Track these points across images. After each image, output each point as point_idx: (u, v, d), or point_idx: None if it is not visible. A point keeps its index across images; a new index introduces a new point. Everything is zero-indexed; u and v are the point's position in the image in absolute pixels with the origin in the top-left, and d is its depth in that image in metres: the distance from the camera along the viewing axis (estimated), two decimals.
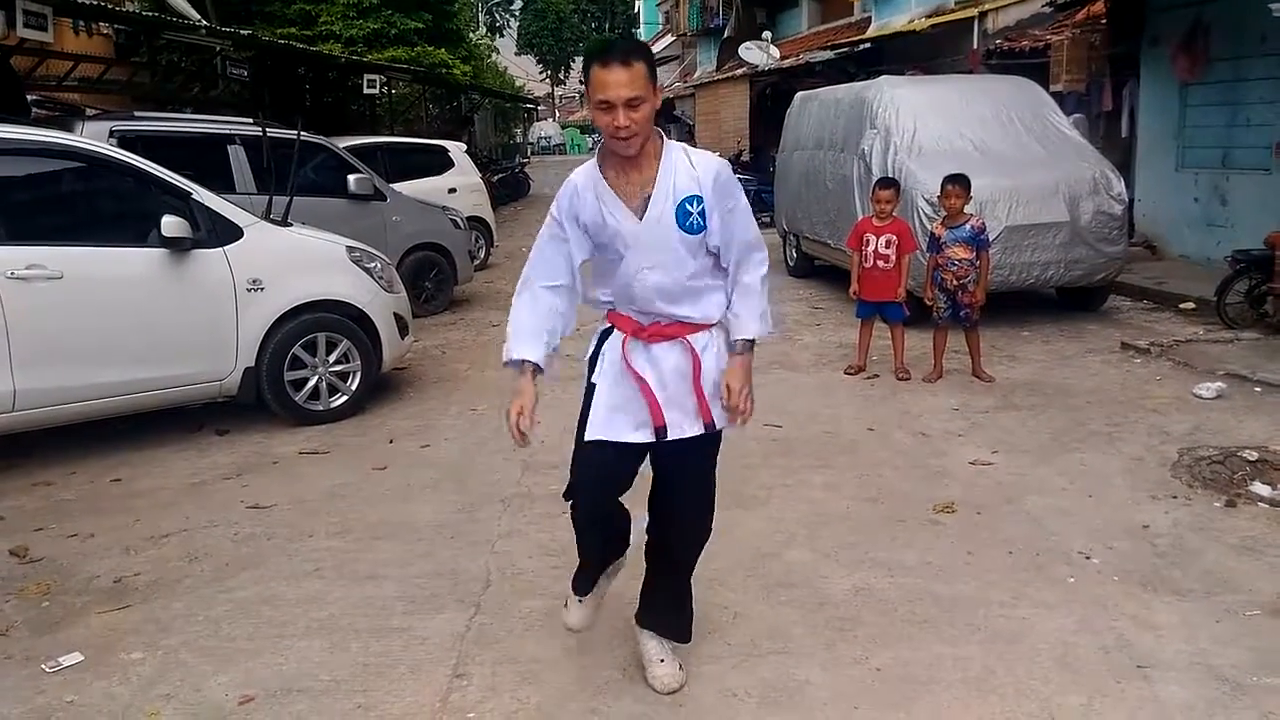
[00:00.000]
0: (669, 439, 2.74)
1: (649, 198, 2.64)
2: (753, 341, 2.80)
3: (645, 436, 2.75)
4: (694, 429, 2.76)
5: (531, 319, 2.77)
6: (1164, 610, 3.45)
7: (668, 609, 3.07)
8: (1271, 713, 2.84)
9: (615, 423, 2.74)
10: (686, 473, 2.88)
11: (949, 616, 3.44)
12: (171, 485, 5.02)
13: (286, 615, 3.59)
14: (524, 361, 2.73)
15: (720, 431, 2.85)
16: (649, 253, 2.65)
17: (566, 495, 2.84)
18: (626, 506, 2.91)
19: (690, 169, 2.65)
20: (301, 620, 3.55)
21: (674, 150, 2.66)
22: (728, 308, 2.80)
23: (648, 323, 2.75)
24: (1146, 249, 10.98)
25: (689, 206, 2.62)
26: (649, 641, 3.07)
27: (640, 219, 2.64)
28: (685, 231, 2.64)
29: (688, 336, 2.75)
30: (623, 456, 2.78)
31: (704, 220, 2.65)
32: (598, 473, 2.78)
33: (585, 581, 3.02)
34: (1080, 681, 3.02)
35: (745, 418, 2.80)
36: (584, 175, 2.73)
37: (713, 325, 2.79)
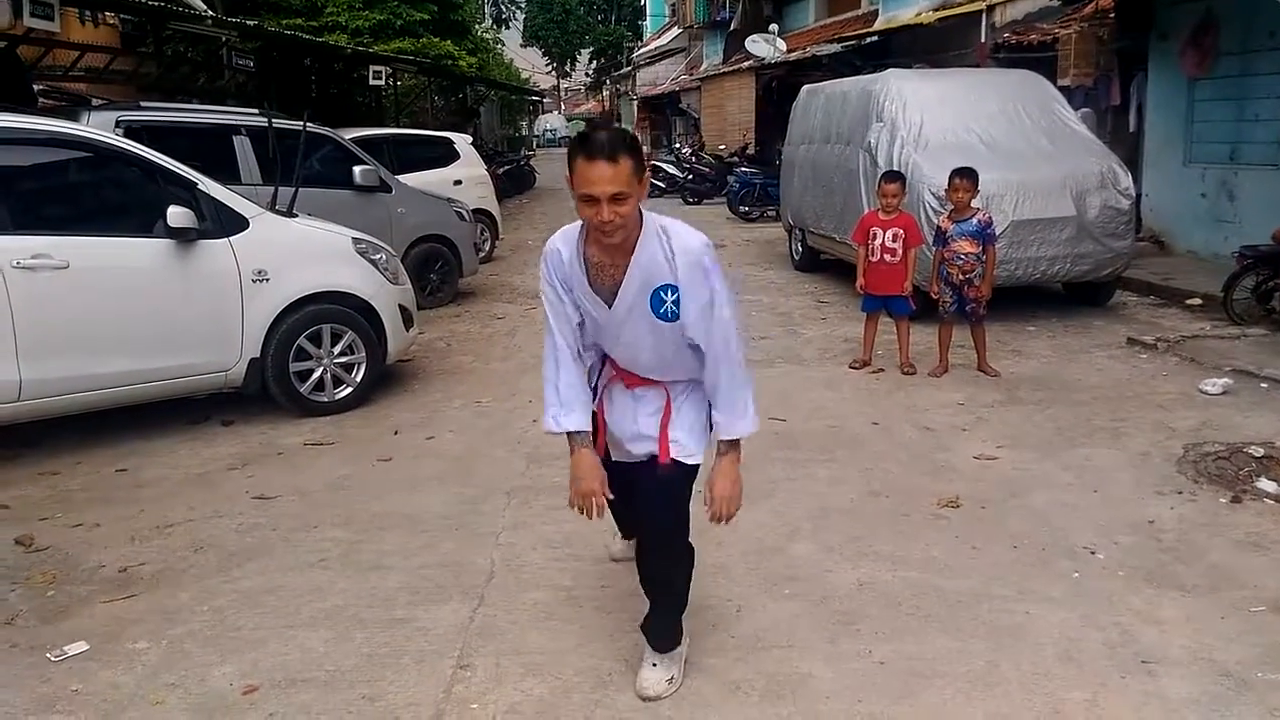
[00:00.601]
0: (626, 461, 2.94)
1: (620, 285, 2.64)
2: (736, 443, 2.80)
3: (617, 457, 2.96)
4: (644, 452, 2.87)
5: (568, 388, 2.81)
6: (1169, 605, 3.44)
7: (652, 613, 3.03)
8: (1276, 709, 2.84)
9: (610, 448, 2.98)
10: (649, 494, 2.88)
11: (953, 611, 3.44)
12: (177, 476, 5.03)
13: (291, 605, 3.59)
14: (574, 434, 2.81)
15: (689, 469, 2.87)
16: (620, 334, 2.73)
17: None
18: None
19: (667, 257, 2.59)
20: (306, 611, 3.55)
21: (651, 238, 2.59)
22: (711, 405, 2.82)
23: (629, 376, 2.86)
24: (1154, 244, 10.95)
25: (663, 295, 2.60)
26: (649, 647, 3.05)
27: (610, 307, 2.67)
28: (660, 319, 2.65)
29: (667, 386, 2.84)
30: (615, 471, 2.95)
31: (677, 309, 2.62)
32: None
33: (624, 530, 3.51)
34: (1084, 676, 3.02)
35: (727, 521, 2.84)
36: (566, 241, 2.71)
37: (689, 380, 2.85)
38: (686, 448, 2.83)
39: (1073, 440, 5.21)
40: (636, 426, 2.86)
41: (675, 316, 2.63)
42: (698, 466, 2.89)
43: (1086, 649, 3.17)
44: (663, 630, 3.02)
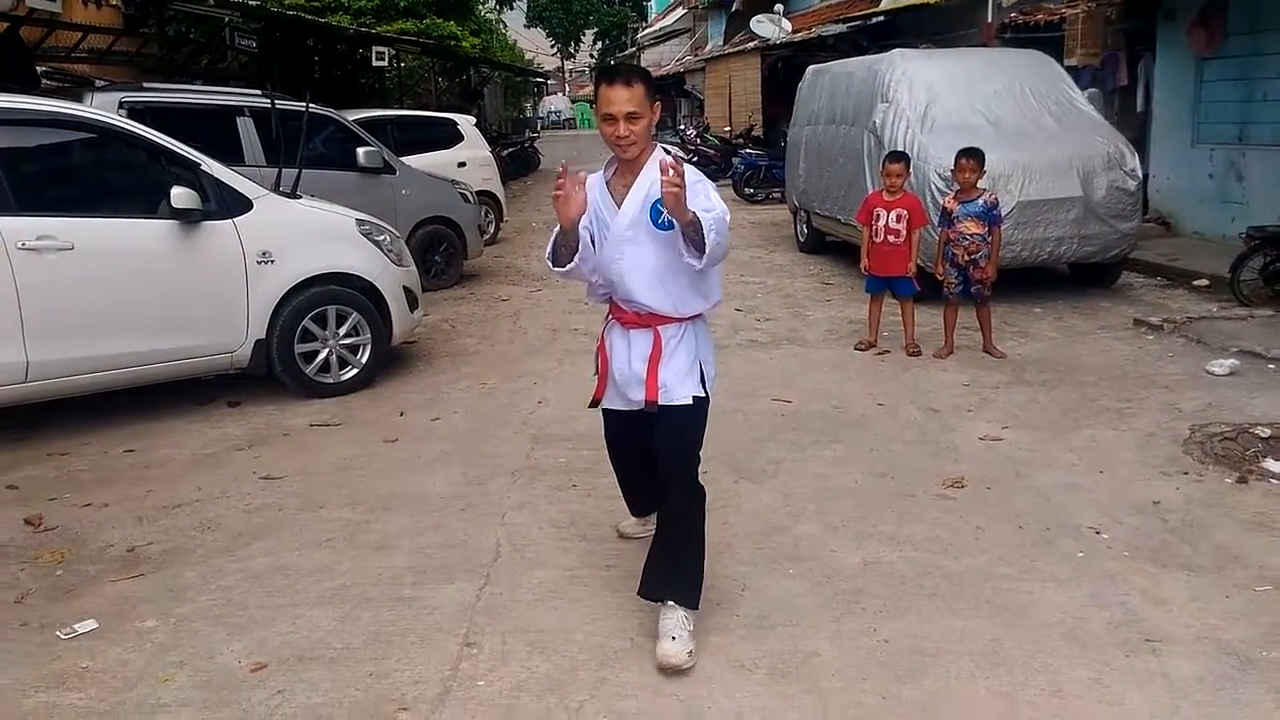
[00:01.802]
0: (631, 409, 3.20)
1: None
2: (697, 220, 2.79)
3: (621, 405, 3.25)
4: (639, 399, 3.13)
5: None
6: (1173, 585, 3.45)
7: (669, 567, 3.09)
8: None
9: (609, 395, 3.30)
10: (661, 433, 3.13)
11: (957, 590, 3.45)
12: (184, 456, 5.05)
13: (298, 585, 3.61)
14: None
15: (697, 405, 3.10)
16: (619, 244, 3.02)
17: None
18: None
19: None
20: (313, 590, 3.57)
21: (657, 158, 2.95)
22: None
23: (628, 310, 3.13)
24: (1161, 225, 10.90)
25: (660, 206, 2.87)
26: (666, 617, 3.06)
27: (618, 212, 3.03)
28: (657, 227, 2.96)
29: (658, 327, 3.08)
30: (618, 419, 3.36)
31: (672, 222, 2.86)
32: (608, 429, 3.50)
33: (632, 509, 3.79)
34: (1088, 655, 3.03)
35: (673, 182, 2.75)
36: (595, 176, 3.10)
37: (686, 319, 3.11)
38: (670, 391, 3.07)
39: (1078, 421, 5.21)
40: (630, 369, 3.13)
41: (670, 225, 2.89)
42: (705, 402, 3.14)
43: (1090, 628, 3.18)
44: (686, 581, 3.09)
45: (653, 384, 3.07)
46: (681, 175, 2.69)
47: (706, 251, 2.82)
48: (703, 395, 3.13)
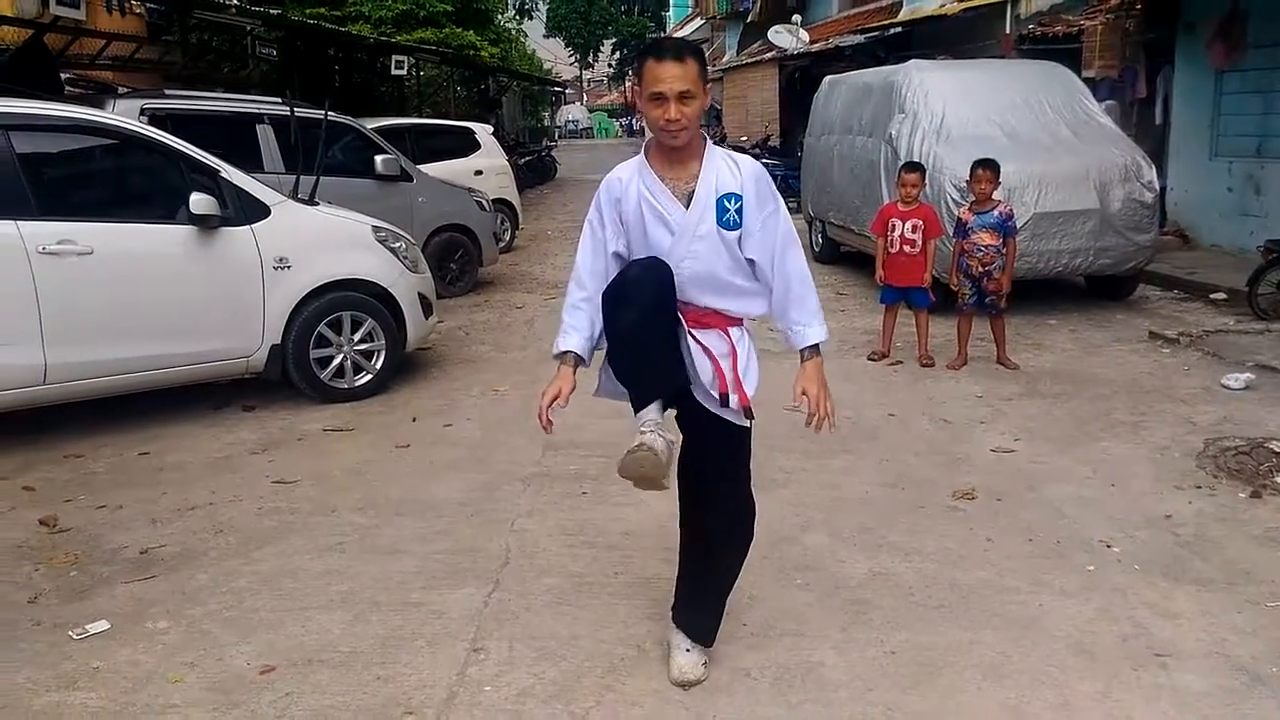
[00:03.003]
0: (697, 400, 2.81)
1: (693, 191, 2.71)
2: (817, 347, 2.81)
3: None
4: (712, 403, 2.79)
5: (580, 318, 2.84)
6: (1184, 600, 3.43)
7: (694, 604, 3.02)
8: None
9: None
10: (723, 445, 2.87)
11: (966, 602, 3.44)
12: (198, 460, 5.10)
13: (309, 588, 3.64)
14: (567, 353, 2.81)
15: (746, 427, 2.84)
16: (691, 241, 2.71)
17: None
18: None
19: (733, 168, 2.73)
20: (323, 593, 3.60)
21: (716, 151, 2.75)
22: (780, 317, 2.83)
23: (689, 311, 2.79)
24: (1178, 238, 10.83)
25: (727, 204, 2.69)
26: (679, 634, 3.04)
27: (686, 208, 2.72)
28: (722, 227, 2.71)
29: (727, 329, 2.82)
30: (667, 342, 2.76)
31: (740, 218, 2.71)
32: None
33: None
34: (1097, 669, 3.01)
35: (829, 422, 2.80)
36: (628, 168, 2.80)
37: (744, 323, 2.87)
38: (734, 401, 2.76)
39: (1091, 434, 5.18)
40: (699, 364, 2.77)
41: (737, 225, 2.70)
42: (748, 429, 2.87)
43: (1100, 642, 3.16)
44: (710, 623, 3.02)
45: (739, 387, 2.76)
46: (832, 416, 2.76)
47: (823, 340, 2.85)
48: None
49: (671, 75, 2.54)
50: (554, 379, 2.79)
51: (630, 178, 2.77)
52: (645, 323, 2.68)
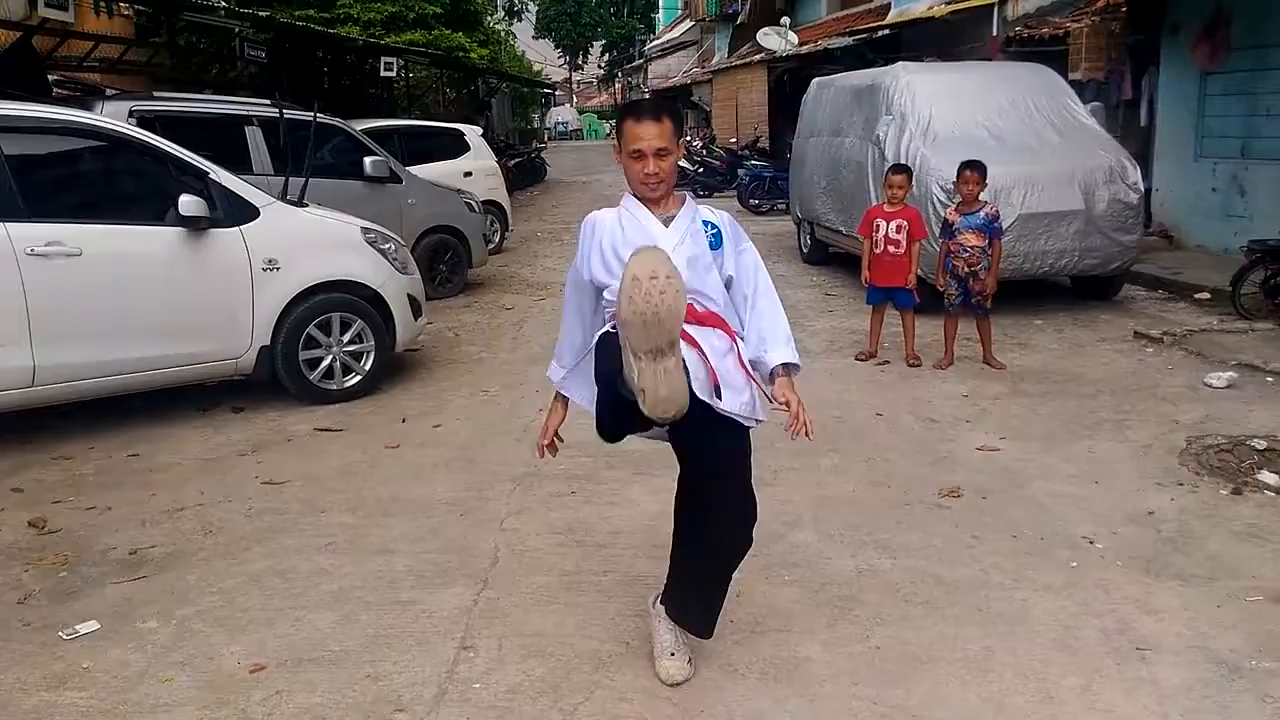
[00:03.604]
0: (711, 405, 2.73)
1: (673, 217, 2.88)
2: (788, 367, 2.87)
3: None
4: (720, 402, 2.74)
5: (572, 350, 3.03)
6: (1165, 594, 3.47)
7: (692, 600, 2.98)
8: (1269, 695, 2.87)
9: None
10: (717, 450, 2.84)
11: (950, 598, 3.47)
12: (187, 461, 5.10)
13: (298, 588, 3.66)
14: (560, 394, 3.07)
15: (747, 429, 2.85)
16: (672, 253, 2.68)
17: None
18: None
19: (709, 211, 2.95)
20: (313, 593, 3.61)
21: (690, 205, 2.93)
22: (755, 343, 2.89)
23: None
24: (1164, 238, 10.92)
25: (705, 228, 2.88)
26: (665, 634, 3.04)
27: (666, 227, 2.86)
28: (707, 245, 2.86)
29: (726, 329, 2.84)
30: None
31: (720, 241, 2.89)
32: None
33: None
34: (1079, 663, 3.05)
35: (807, 430, 2.86)
36: (608, 210, 2.95)
37: (734, 333, 2.86)
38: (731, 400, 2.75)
39: (1076, 432, 5.23)
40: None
41: (719, 245, 2.88)
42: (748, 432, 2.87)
43: (1082, 636, 3.20)
44: (708, 614, 2.97)
45: (715, 377, 2.73)
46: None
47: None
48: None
49: (649, 134, 2.75)
50: (548, 414, 3.10)
51: (608, 214, 2.92)
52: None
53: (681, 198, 2.94)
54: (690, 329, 2.71)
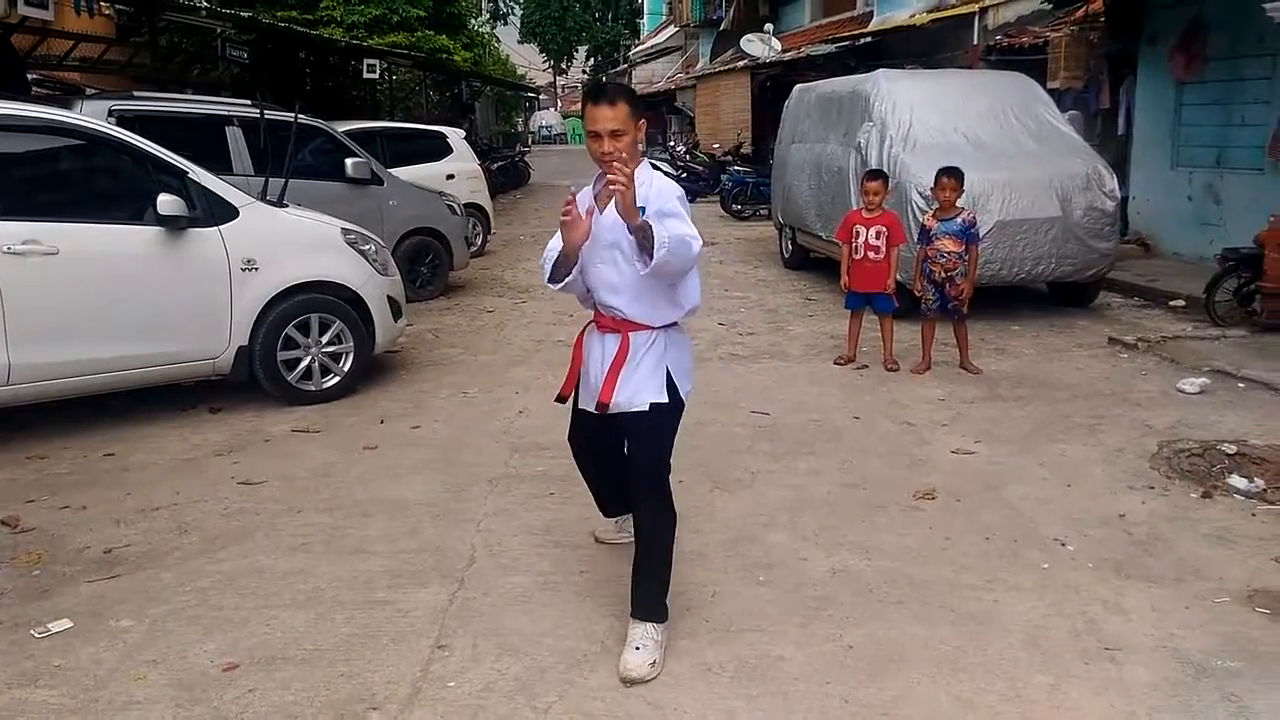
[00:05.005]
0: (606, 412, 3.18)
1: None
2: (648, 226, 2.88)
3: (591, 407, 3.24)
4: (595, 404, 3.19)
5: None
6: (1135, 596, 3.52)
7: (639, 583, 3.18)
8: (1233, 694, 2.91)
9: (583, 397, 3.36)
10: (629, 444, 3.25)
11: (923, 598, 3.51)
12: (163, 461, 5.08)
13: (273, 587, 3.65)
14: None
15: (657, 412, 3.13)
16: (600, 249, 3.11)
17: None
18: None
19: (648, 188, 3.06)
20: (288, 592, 3.61)
21: (643, 170, 3.10)
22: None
23: (605, 315, 3.22)
24: (1140, 246, 11.02)
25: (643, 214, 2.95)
26: (634, 627, 3.13)
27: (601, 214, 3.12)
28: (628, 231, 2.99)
29: (630, 333, 3.15)
30: (589, 420, 3.34)
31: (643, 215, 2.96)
32: (574, 429, 3.54)
33: (603, 510, 3.82)
34: (1048, 662, 3.09)
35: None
36: (585, 190, 3.22)
37: (656, 328, 3.16)
38: (629, 396, 3.12)
39: (1050, 436, 5.28)
40: (601, 370, 3.19)
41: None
42: (671, 411, 3.18)
43: (1052, 636, 3.24)
44: (651, 598, 3.15)
45: (608, 388, 3.13)
46: (630, 177, 2.79)
47: (653, 263, 2.87)
48: (664, 402, 3.13)
49: (604, 117, 2.98)
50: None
51: (587, 194, 3.19)
52: (588, 467, 3.60)
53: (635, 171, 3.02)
54: (605, 338, 3.19)
